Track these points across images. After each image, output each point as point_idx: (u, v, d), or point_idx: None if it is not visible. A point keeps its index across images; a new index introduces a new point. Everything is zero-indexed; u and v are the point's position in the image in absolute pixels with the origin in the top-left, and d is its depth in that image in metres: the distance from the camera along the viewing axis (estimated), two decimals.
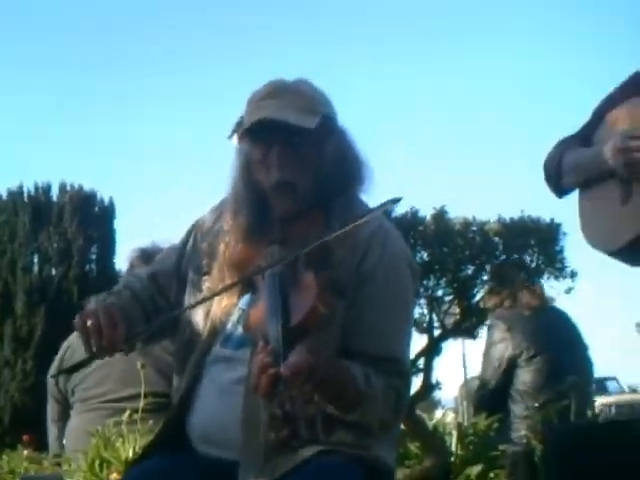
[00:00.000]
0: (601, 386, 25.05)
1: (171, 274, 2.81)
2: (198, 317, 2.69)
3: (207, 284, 2.68)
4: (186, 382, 2.67)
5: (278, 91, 2.59)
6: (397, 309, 2.57)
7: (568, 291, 5.78)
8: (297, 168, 2.55)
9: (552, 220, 5.52)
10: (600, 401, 20.48)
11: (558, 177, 3.07)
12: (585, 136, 3.07)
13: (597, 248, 2.98)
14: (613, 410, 19.67)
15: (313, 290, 2.28)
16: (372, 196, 2.70)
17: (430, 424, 5.15)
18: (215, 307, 2.65)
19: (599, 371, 24.37)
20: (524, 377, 5.75)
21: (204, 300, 2.62)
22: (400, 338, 2.58)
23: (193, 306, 2.66)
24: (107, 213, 31.26)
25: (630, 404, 21.65)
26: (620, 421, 5.77)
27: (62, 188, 31.00)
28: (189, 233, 2.85)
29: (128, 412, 4.20)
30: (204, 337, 2.66)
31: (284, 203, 2.58)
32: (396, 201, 2.30)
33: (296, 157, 2.55)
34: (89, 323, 2.49)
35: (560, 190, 3.12)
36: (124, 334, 2.53)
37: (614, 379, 27.74)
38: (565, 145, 3.10)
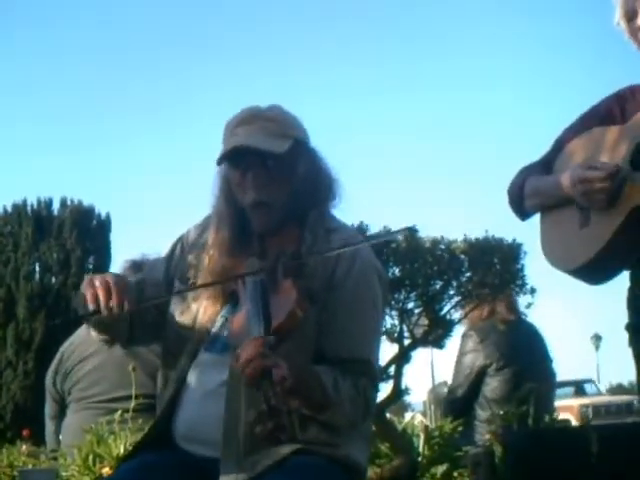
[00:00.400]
0: (579, 388, 24.99)
1: (160, 283, 2.81)
2: (184, 323, 2.70)
3: (192, 294, 2.70)
4: (174, 384, 2.67)
5: (251, 118, 2.63)
6: (366, 314, 2.59)
7: (528, 306, 5.80)
8: (271, 189, 2.60)
9: (514, 240, 5.55)
10: (579, 402, 20.50)
11: (521, 202, 3.08)
12: (546, 164, 3.07)
13: (557, 267, 2.99)
14: (590, 411, 19.67)
15: (292, 295, 2.32)
16: (347, 211, 2.76)
17: (399, 426, 5.15)
18: (200, 315, 2.66)
19: (571, 375, 24.29)
20: (492, 385, 5.76)
21: (187, 290, 2.67)
22: (369, 341, 2.60)
23: (180, 292, 2.70)
24: (104, 226, 31.29)
25: (607, 405, 21.60)
26: (572, 428, 5.80)
27: (63, 203, 31.06)
28: (175, 245, 2.85)
29: (120, 412, 4.19)
30: (190, 342, 2.67)
31: (261, 220, 2.62)
32: (412, 230, 2.31)
33: (270, 179, 2.60)
34: (97, 283, 2.46)
35: (523, 214, 3.12)
36: (131, 296, 2.50)
37: (592, 381, 27.57)
38: (527, 172, 3.10)
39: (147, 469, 2.55)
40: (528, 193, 3.04)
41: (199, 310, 2.67)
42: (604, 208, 2.75)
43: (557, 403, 7.12)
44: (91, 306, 2.45)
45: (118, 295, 2.43)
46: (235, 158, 2.61)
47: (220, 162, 2.64)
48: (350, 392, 2.48)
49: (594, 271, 2.86)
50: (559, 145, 3.06)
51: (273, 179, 2.60)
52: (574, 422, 13.11)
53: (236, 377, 2.40)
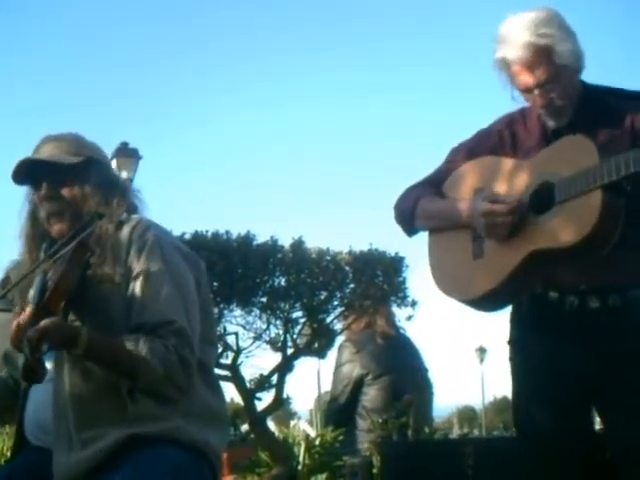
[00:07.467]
0: None
1: None
2: None
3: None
4: (21, 393, 2.72)
5: (43, 143, 2.76)
6: (164, 280, 2.60)
7: (409, 318, 5.88)
8: (62, 199, 2.70)
9: (397, 254, 5.61)
10: None
11: (411, 220, 3.01)
12: (436, 183, 3.00)
13: (451, 296, 2.91)
14: None
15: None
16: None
17: (281, 435, 5.13)
18: None
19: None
20: (370, 395, 5.74)
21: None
22: (171, 304, 2.58)
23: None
24: None
25: None
26: (449, 440, 5.83)
27: None
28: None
29: None
30: None
31: (55, 228, 2.71)
32: (100, 216, 2.56)
33: (60, 191, 2.70)
34: None
35: (411, 231, 3.06)
36: None
37: None
38: (418, 190, 3.02)
39: (10, 475, 2.60)
40: (420, 214, 2.97)
41: None
42: (501, 241, 2.74)
43: None
44: None
45: None
46: (32, 177, 2.72)
47: (14, 179, 2.73)
48: (159, 350, 2.47)
49: (490, 302, 2.84)
50: (449, 165, 3.01)
51: (63, 190, 2.70)
52: None
53: (60, 361, 2.52)
